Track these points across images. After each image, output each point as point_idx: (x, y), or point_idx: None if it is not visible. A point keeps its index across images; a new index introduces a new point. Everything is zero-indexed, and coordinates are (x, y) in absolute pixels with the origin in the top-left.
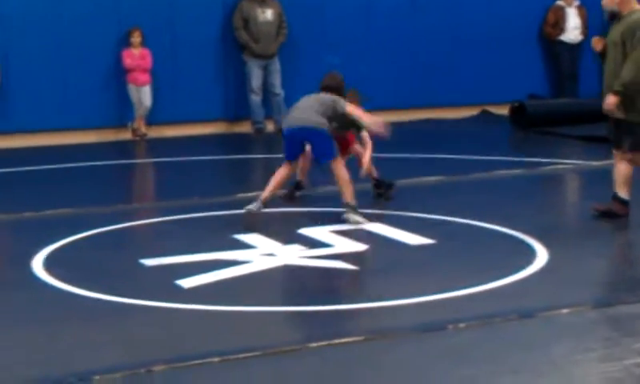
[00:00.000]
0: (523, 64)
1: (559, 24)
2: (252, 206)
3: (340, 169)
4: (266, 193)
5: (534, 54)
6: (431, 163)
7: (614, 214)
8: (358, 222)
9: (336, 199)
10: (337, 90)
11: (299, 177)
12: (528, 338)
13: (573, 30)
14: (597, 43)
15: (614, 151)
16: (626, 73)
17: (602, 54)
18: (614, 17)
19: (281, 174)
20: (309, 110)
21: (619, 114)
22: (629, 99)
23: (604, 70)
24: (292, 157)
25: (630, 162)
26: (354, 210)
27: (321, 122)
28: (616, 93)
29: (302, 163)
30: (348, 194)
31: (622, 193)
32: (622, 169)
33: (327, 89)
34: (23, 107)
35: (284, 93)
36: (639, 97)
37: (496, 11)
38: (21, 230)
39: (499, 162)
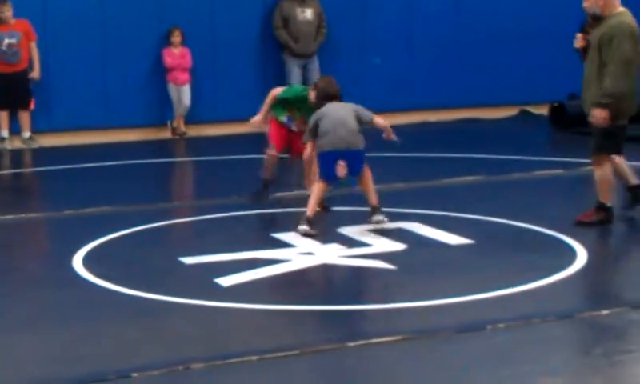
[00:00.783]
0: (563, 64)
1: None
2: (305, 230)
3: (369, 173)
4: (309, 211)
5: (575, 53)
6: (470, 163)
7: None
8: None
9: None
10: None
11: (266, 176)
12: (568, 339)
13: None
14: (579, 41)
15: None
16: (608, 84)
17: (584, 53)
18: (596, 18)
19: (321, 191)
20: (353, 130)
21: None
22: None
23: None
24: (333, 177)
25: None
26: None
27: (362, 140)
28: (605, 106)
29: (275, 161)
30: (376, 197)
31: None
32: None
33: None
34: (64, 105)
35: None
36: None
37: (537, 11)
38: (61, 227)
39: (538, 162)
